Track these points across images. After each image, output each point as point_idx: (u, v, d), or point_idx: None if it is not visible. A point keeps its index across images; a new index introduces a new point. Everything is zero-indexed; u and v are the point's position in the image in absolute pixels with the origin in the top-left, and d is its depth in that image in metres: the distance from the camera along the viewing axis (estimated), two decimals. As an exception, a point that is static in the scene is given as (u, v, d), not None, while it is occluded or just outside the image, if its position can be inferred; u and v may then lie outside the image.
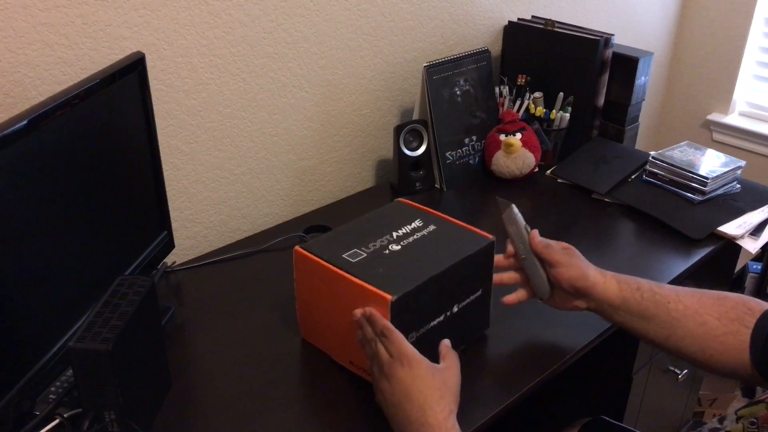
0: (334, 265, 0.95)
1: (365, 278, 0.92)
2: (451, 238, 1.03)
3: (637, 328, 0.98)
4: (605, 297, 0.99)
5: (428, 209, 1.09)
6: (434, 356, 0.90)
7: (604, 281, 0.99)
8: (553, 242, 1.03)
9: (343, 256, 0.97)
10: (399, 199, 1.14)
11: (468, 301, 1.02)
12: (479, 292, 1.04)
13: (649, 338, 0.98)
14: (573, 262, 1.01)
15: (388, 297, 0.89)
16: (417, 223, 1.05)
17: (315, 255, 0.98)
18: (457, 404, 0.85)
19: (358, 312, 0.91)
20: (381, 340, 0.87)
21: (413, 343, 0.90)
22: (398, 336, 0.86)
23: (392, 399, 0.84)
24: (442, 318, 0.98)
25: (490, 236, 1.03)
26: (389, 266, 0.95)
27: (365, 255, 0.97)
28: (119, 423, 0.83)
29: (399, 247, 1.00)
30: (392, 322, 0.89)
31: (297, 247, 1.00)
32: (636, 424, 1.47)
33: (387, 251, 0.99)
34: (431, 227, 1.04)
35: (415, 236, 1.02)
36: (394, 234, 1.03)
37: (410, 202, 1.12)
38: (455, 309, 1.00)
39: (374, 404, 0.90)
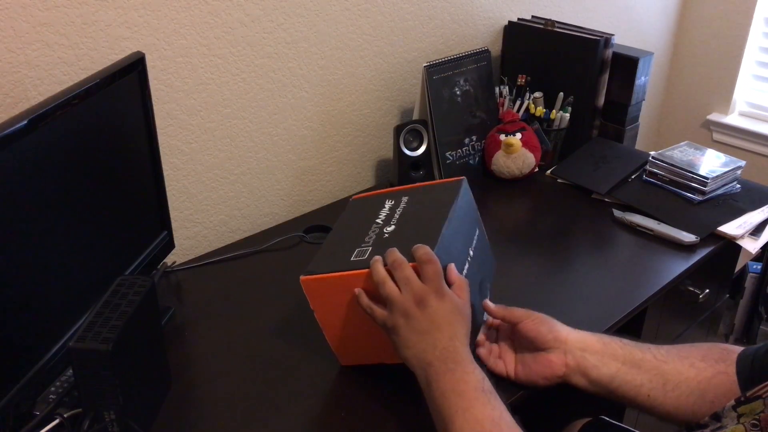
0: (352, 269, 0.91)
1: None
2: (430, 196, 1.04)
3: (630, 381, 0.91)
4: (584, 345, 0.93)
5: (386, 189, 1.10)
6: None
7: (578, 333, 0.95)
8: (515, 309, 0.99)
9: (352, 259, 0.93)
10: (354, 197, 1.13)
11: (474, 243, 1.03)
12: (477, 232, 1.05)
13: (644, 392, 0.91)
14: (539, 316, 0.96)
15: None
16: (390, 203, 1.05)
17: (325, 273, 0.93)
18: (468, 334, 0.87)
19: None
20: (420, 267, 0.86)
21: None
22: (439, 268, 0.86)
23: (419, 326, 0.85)
24: (467, 266, 0.97)
25: (460, 177, 1.06)
26: (401, 241, 0.92)
27: (371, 248, 0.94)
28: (119, 423, 0.83)
29: (393, 226, 0.98)
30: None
31: (302, 277, 0.93)
32: (636, 424, 1.46)
33: (386, 234, 0.96)
34: (404, 199, 1.05)
35: (398, 212, 1.02)
36: (378, 220, 1.01)
37: (365, 195, 1.12)
38: (471, 254, 1.00)
39: (374, 405, 0.90)
